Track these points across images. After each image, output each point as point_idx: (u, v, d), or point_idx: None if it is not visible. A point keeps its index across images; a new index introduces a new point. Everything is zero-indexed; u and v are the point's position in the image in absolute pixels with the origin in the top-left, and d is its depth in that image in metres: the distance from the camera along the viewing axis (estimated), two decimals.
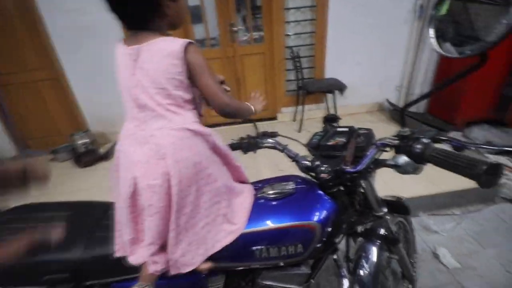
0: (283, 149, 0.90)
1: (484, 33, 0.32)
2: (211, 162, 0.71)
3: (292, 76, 3.12)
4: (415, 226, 1.31)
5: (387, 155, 0.73)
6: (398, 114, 3.05)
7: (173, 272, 0.70)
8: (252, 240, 0.74)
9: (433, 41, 0.38)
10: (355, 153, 0.83)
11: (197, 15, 2.78)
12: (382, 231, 0.94)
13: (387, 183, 1.28)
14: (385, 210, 0.87)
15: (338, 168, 0.76)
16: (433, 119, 2.96)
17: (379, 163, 0.74)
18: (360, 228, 0.97)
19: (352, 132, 0.86)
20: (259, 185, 0.89)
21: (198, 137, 0.68)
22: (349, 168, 0.75)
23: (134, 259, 0.70)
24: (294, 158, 0.88)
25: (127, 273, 0.75)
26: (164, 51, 0.64)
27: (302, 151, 0.90)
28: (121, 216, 0.72)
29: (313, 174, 0.83)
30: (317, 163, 0.80)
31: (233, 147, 0.95)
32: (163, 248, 0.70)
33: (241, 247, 0.74)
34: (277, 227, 0.73)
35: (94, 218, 0.86)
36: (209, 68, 0.70)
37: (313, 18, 2.87)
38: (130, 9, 0.64)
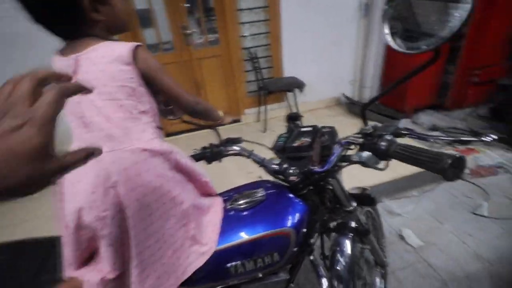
0: (249, 155, 0.86)
1: (438, 28, 0.31)
2: (174, 184, 0.63)
3: (251, 77, 3.12)
4: (380, 211, 1.37)
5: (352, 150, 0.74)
6: (354, 107, 3.22)
7: None
8: (226, 256, 0.69)
9: (388, 37, 0.37)
10: (321, 152, 0.83)
11: (146, 19, 2.62)
12: (353, 224, 0.96)
13: (351, 175, 1.33)
14: (354, 204, 0.89)
15: (306, 169, 0.74)
16: (385, 109, 3.17)
17: (344, 160, 0.74)
18: (332, 224, 0.99)
19: (316, 131, 0.86)
20: (228, 195, 0.84)
21: (157, 158, 0.60)
22: (317, 168, 0.74)
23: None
24: (262, 163, 0.85)
25: None
26: (108, 56, 0.56)
27: (269, 154, 0.87)
28: (67, 252, 0.63)
29: (282, 177, 0.81)
30: (285, 166, 0.78)
31: (196, 158, 0.89)
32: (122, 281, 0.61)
33: (214, 266, 0.68)
34: (251, 239, 0.69)
35: (39, 258, 0.74)
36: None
37: (266, 18, 2.89)
38: (53, 20, 0.56)
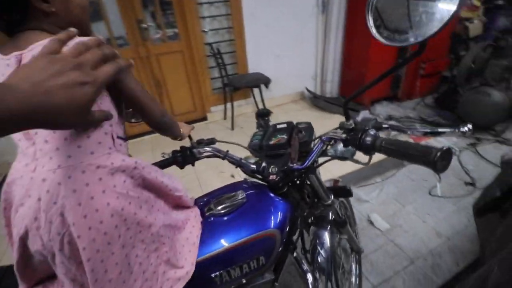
0: (224, 156, 0.82)
1: (426, 21, 0.31)
2: (140, 204, 0.53)
3: (216, 74, 3.03)
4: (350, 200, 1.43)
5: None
6: (318, 100, 3.33)
7: None
8: (209, 267, 0.65)
9: (373, 29, 0.36)
10: (299, 149, 0.82)
11: (94, 11, 2.38)
12: (331, 216, 0.99)
13: (322, 167, 1.36)
14: (332, 197, 0.90)
15: (286, 167, 0.73)
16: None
17: (323, 156, 0.74)
18: (311, 218, 1.00)
19: (291, 127, 0.84)
20: (205, 200, 0.79)
21: (117, 176, 0.50)
22: (297, 165, 0.73)
23: None
24: (238, 163, 0.82)
25: None
26: None
27: (243, 153, 0.84)
28: (20, 282, 0.53)
29: (260, 176, 0.79)
30: (264, 165, 0.76)
31: (166, 163, 0.81)
32: None
33: (197, 278, 0.63)
34: (235, 245, 0.66)
35: None
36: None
37: (228, 13, 2.82)
38: None
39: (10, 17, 0.48)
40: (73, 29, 0.39)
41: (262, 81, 2.82)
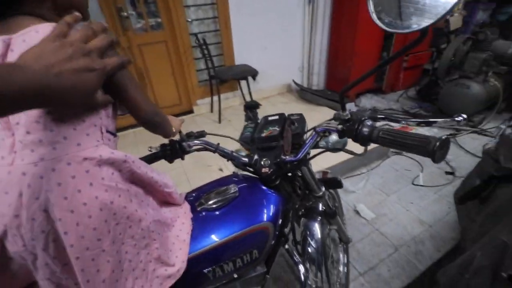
0: (215, 149, 0.80)
1: (429, 7, 0.30)
2: (130, 197, 0.51)
3: (202, 65, 2.96)
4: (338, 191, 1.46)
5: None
6: (305, 93, 3.33)
7: None
8: (201, 262, 0.63)
9: (373, 15, 0.35)
10: (292, 141, 0.81)
11: None
12: (321, 208, 0.99)
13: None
14: (323, 189, 0.90)
15: (278, 160, 0.72)
16: (331, 94, 3.37)
17: (316, 148, 0.74)
18: (301, 210, 1.00)
19: (283, 119, 0.83)
20: (196, 194, 0.77)
21: (104, 168, 0.47)
22: (289, 158, 0.72)
23: None
24: (230, 157, 0.80)
25: None
26: None
27: (233, 145, 0.82)
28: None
29: (252, 169, 0.77)
30: (256, 158, 0.74)
31: (154, 157, 0.78)
32: None
33: (189, 274, 0.62)
34: (228, 240, 0.65)
35: None
36: None
37: (213, 2, 2.74)
38: None
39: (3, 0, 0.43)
40: (77, 13, 0.40)
41: (250, 73, 2.78)
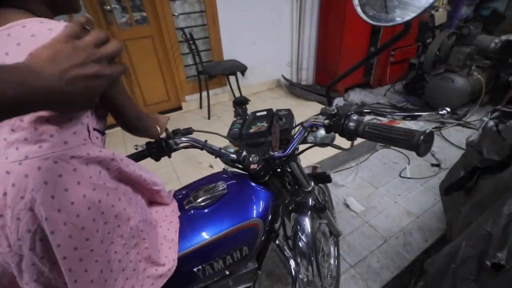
0: (203, 146, 0.78)
1: (412, 1, 0.30)
2: (119, 196, 0.50)
3: (190, 61, 2.91)
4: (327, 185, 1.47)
5: None
6: (294, 88, 3.34)
7: None
8: (191, 261, 0.63)
9: (358, 8, 0.35)
10: (280, 137, 0.80)
11: None
12: (311, 202, 1.00)
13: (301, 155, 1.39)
14: (313, 184, 0.90)
15: (267, 156, 0.71)
16: (320, 88, 3.38)
17: (304, 143, 0.74)
18: (292, 205, 1.00)
19: (271, 115, 0.82)
20: (184, 192, 0.76)
21: (92, 166, 0.46)
22: (278, 153, 0.71)
23: None
24: (218, 153, 0.79)
25: None
26: (45, 39, 0.39)
27: (222, 142, 0.81)
28: None
29: (240, 166, 0.77)
30: (244, 154, 0.74)
31: (139, 156, 0.76)
32: None
33: (179, 274, 0.61)
34: (218, 237, 0.64)
35: None
36: None
37: None
38: None
39: None
40: (89, 16, 0.39)
41: (238, 68, 2.75)
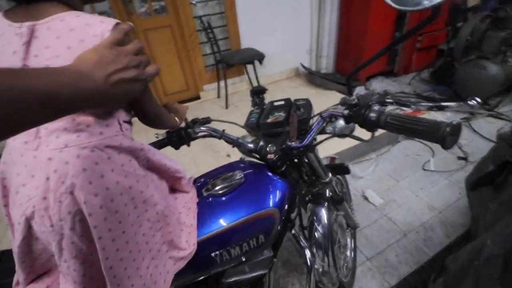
0: (220, 135, 0.80)
1: None
2: (146, 183, 0.54)
3: (208, 50, 2.91)
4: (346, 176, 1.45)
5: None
6: (313, 77, 3.25)
7: None
8: (209, 246, 0.65)
9: None
10: (298, 126, 0.80)
11: None
12: (328, 194, 0.99)
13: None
14: (330, 175, 0.89)
15: (284, 146, 0.71)
16: (340, 77, 3.27)
17: (322, 133, 0.72)
18: (308, 196, 1.00)
19: (289, 104, 0.81)
20: (203, 181, 0.78)
21: (124, 155, 0.50)
22: (296, 144, 0.71)
23: None
24: (236, 143, 0.79)
25: None
26: (81, 32, 0.42)
27: (238, 132, 0.82)
28: (17, 269, 0.52)
29: (258, 156, 0.77)
30: (261, 144, 0.74)
31: (160, 144, 0.79)
32: None
33: (197, 258, 0.64)
34: (235, 225, 0.65)
35: None
36: None
37: None
38: None
39: None
40: (131, 24, 0.44)
41: (256, 57, 2.72)
